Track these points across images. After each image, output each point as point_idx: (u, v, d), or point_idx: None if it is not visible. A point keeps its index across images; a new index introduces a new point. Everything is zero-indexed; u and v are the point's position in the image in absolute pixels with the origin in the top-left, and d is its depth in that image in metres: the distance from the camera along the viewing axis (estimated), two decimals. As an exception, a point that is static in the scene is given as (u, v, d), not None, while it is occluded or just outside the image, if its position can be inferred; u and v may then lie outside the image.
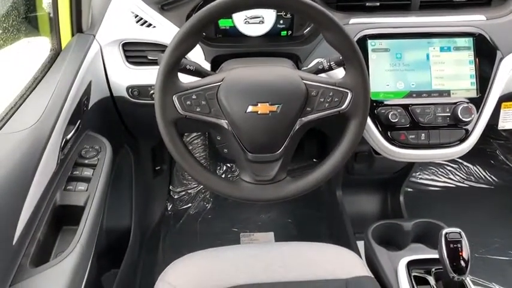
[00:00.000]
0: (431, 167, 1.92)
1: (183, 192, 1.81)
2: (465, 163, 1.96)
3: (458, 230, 0.89)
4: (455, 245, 0.87)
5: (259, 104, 0.79)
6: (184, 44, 0.77)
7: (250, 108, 0.79)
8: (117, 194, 1.33)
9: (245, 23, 1.11)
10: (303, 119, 0.82)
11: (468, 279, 0.90)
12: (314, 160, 1.82)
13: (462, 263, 0.86)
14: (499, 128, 1.19)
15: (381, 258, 1.02)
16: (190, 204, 1.79)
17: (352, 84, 0.81)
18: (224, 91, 0.80)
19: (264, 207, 1.75)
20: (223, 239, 1.63)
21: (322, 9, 0.76)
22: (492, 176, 1.94)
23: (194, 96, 0.79)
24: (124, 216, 1.37)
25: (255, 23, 1.11)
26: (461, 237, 0.88)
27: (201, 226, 1.71)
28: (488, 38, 1.05)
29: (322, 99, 0.81)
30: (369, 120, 1.02)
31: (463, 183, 1.92)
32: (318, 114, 0.82)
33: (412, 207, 1.60)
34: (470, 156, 1.95)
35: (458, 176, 1.93)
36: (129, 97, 1.09)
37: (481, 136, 1.97)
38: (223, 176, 1.85)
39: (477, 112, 1.03)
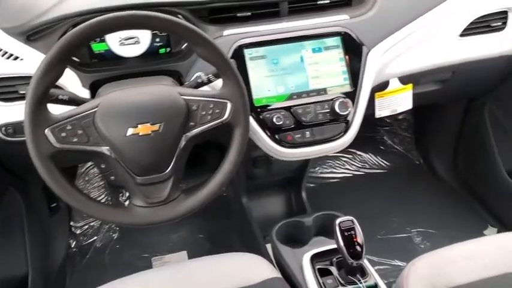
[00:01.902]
0: (328, 161, 2.02)
1: (86, 226, 1.72)
2: (358, 152, 2.08)
3: (350, 217, 0.94)
4: (349, 233, 0.92)
5: (139, 126, 0.78)
6: (51, 73, 0.74)
7: (130, 131, 0.77)
8: (7, 241, 1.23)
9: (120, 44, 1.08)
10: (187, 134, 0.82)
11: (366, 262, 0.96)
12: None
13: (358, 248, 0.91)
14: (376, 117, 1.28)
15: (286, 257, 1.05)
16: (95, 237, 1.71)
17: (230, 95, 0.82)
18: (101, 117, 0.77)
19: (173, 226, 1.72)
20: (134, 267, 1.55)
21: (190, 26, 0.77)
22: (384, 161, 2.09)
23: (69, 127, 0.76)
24: (18, 264, 1.27)
25: (130, 43, 1.09)
26: (353, 224, 0.93)
27: (109, 258, 1.64)
28: (354, 35, 1.13)
29: (203, 113, 0.82)
30: (256, 126, 1.05)
31: (359, 171, 2.04)
32: (201, 128, 0.83)
33: (315, 202, 1.67)
34: (362, 145, 2.10)
35: (354, 165, 2.05)
36: (3, 136, 1.02)
37: (368, 125, 2.13)
38: (126, 202, 1.79)
39: (353, 105, 1.10)
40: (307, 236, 1.16)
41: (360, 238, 0.92)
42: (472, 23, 1.28)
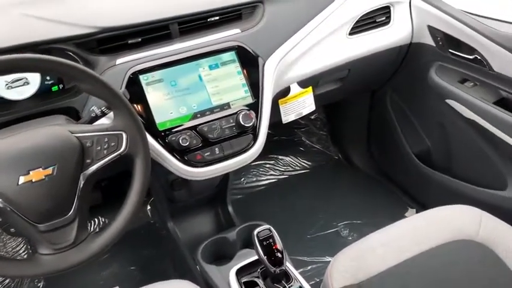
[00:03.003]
0: (252, 170, 2.04)
1: (7, 281, 1.61)
2: (280, 157, 2.12)
3: (267, 226, 0.96)
4: (267, 241, 0.93)
5: (31, 172, 0.74)
6: None
7: (22, 179, 0.74)
8: None
9: (7, 88, 1.02)
10: (85, 172, 0.80)
11: (289, 266, 0.98)
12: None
13: (278, 255, 0.93)
14: (283, 122, 1.32)
15: (213, 276, 1.05)
16: (19, 290, 1.60)
17: (123, 125, 0.81)
18: (-12, 170, 0.73)
19: (102, 263, 1.66)
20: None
21: (65, 62, 0.75)
22: (305, 161, 2.14)
23: None
24: None
25: (19, 85, 1.04)
26: (271, 232, 0.95)
27: (38, 309, 1.55)
28: (248, 48, 1.15)
29: (99, 148, 0.80)
30: (163, 151, 1.03)
31: (283, 174, 2.08)
32: (99, 164, 0.80)
33: (244, 213, 1.67)
34: (282, 149, 2.15)
35: (278, 169, 2.09)
36: None
37: (285, 129, 2.17)
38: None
39: (257, 116, 1.12)
40: (233, 250, 1.16)
41: (279, 245, 0.94)
42: (358, 21, 1.36)
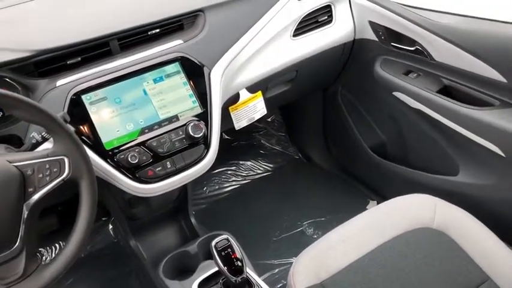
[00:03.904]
0: (213, 178, 2.03)
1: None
2: (241, 162, 2.12)
3: (225, 236, 0.95)
4: (226, 251, 0.92)
5: (-31, 209, 0.71)
6: None
7: None
8: None
9: None
10: (28, 202, 0.77)
11: (250, 273, 0.97)
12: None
13: (238, 263, 0.92)
14: (236, 129, 1.32)
15: (176, 293, 1.03)
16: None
17: (64, 150, 0.79)
18: None
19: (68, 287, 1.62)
20: None
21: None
22: (267, 164, 2.15)
23: None
24: None
25: (-47, 118, 1.00)
26: (229, 241, 0.94)
27: None
28: (192, 58, 1.14)
29: (40, 175, 0.77)
30: (113, 170, 1.01)
31: (245, 179, 2.07)
32: (42, 191, 0.78)
33: (209, 222, 1.67)
34: (243, 154, 2.15)
35: (240, 175, 2.09)
36: None
37: (244, 134, 2.17)
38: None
39: (207, 125, 1.11)
40: (196, 263, 1.15)
41: (238, 253, 0.93)
42: (301, 23, 1.37)
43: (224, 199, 1.97)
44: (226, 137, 2.20)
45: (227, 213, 1.88)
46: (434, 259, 1.04)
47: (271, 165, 2.15)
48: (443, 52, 1.24)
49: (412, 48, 1.32)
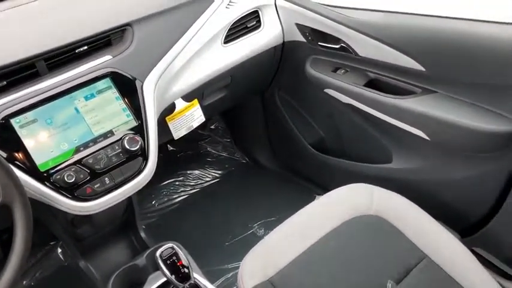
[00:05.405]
0: (162, 190, 2.02)
1: None
2: (189, 171, 2.13)
3: (170, 245, 0.96)
4: (171, 259, 0.93)
5: None
6: None
7: None
8: None
9: None
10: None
11: (199, 278, 0.99)
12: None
13: (185, 270, 0.94)
14: (175, 138, 1.33)
15: (126, 307, 1.03)
16: None
17: None
18: None
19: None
20: None
21: None
22: (215, 171, 2.16)
23: None
24: None
25: None
26: (174, 249, 0.95)
27: None
28: (122, 73, 1.14)
29: None
30: (50, 191, 1.00)
31: (195, 188, 2.08)
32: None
33: (160, 235, 1.66)
34: (190, 164, 2.15)
35: (189, 185, 2.09)
36: None
37: (188, 143, 2.18)
38: None
39: (143, 137, 1.12)
40: (146, 275, 1.14)
41: (183, 260, 0.95)
42: (230, 29, 1.40)
43: (174, 210, 1.97)
44: (172, 148, 2.20)
45: (178, 224, 1.88)
46: (375, 244, 1.10)
47: (219, 172, 2.16)
48: (366, 47, 1.31)
49: (338, 46, 1.38)
